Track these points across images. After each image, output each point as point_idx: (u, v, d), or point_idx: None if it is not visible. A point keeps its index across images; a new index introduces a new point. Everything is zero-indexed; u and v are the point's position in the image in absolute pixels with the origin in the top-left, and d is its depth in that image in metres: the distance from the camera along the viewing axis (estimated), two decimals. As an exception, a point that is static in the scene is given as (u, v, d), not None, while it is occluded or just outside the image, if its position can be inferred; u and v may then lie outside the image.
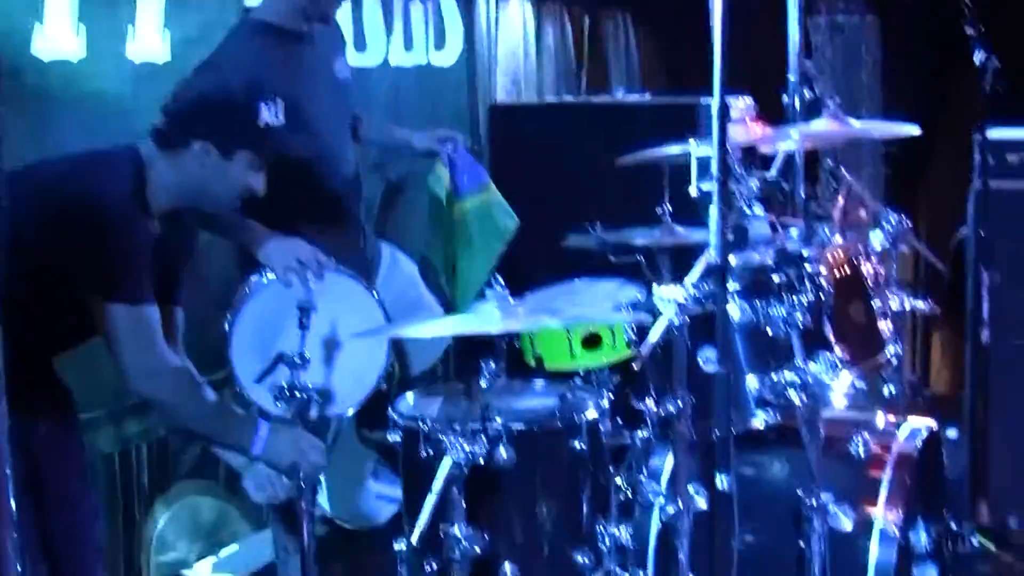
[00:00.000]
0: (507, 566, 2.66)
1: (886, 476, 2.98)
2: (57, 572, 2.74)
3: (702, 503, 2.80)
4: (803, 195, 3.87)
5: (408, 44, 4.81)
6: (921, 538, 3.03)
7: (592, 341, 3.23)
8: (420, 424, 2.69)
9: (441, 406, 2.84)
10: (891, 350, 3.48)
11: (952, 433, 3.72)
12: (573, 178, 4.62)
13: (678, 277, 2.81)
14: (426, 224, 4.14)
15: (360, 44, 4.51)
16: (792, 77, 3.92)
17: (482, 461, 2.53)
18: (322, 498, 3.61)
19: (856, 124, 3.52)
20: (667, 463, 3.06)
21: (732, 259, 2.92)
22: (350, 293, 3.19)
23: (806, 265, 3.05)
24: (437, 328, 2.96)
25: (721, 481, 2.65)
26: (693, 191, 2.90)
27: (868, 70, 6.23)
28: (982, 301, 3.95)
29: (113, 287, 2.69)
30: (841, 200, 4.14)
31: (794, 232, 3.42)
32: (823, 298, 3.09)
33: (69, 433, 2.89)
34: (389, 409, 2.85)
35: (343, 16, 4.17)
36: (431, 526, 2.48)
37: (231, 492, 4.01)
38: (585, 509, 2.77)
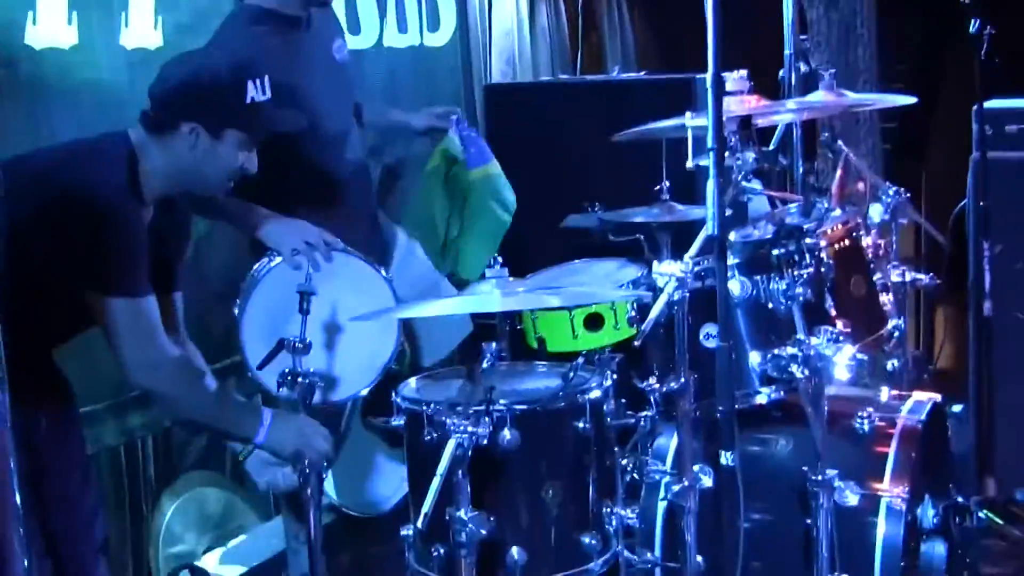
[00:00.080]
0: (514, 549, 2.65)
1: (892, 451, 2.96)
2: (60, 568, 2.73)
3: (708, 482, 2.79)
4: (801, 170, 3.87)
5: (402, 26, 4.79)
6: (928, 514, 3.01)
7: (594, 322, 3.22)
8: (424, 408, 2.68)
9: (444, 389, 2.82)
10: (893, 323, 3.48)
11: (957, 408, 3.71)
12: (570, 157, 4.60)
13: (678, 255, 2.79)
14: (421, 205, 4.13)
15: (354, 27, 4.48)
16: (788, 51, 3.90)
17: (486, 443, 2.51)
18: (328, 486, 3.60)
19: (852, 95, 3.50)
20: (672, 443, 3.05)
21: (731, 234, 2.93)
22: (360, 274, 3.17)
23: (805, 239, 3.04)
24: (437, 308, 2.94)
25: (726, 458, 2.65)
26: (689, 164, 2.88)
27: (864, 44, 6.20)
28: (983, 273, 3.95)
29: (111, 281, 2.67)
30: (839, 173, 4.13)
31: (792, 207, 3.42)
32: (824, 272, 3.08)
33: (70, 427, 2.87)
34: (393, 394, 2.84)
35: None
36: (437, 510, 2.47)
37: (238, 483, 4.01)
38: (591, 490, 2.76)
